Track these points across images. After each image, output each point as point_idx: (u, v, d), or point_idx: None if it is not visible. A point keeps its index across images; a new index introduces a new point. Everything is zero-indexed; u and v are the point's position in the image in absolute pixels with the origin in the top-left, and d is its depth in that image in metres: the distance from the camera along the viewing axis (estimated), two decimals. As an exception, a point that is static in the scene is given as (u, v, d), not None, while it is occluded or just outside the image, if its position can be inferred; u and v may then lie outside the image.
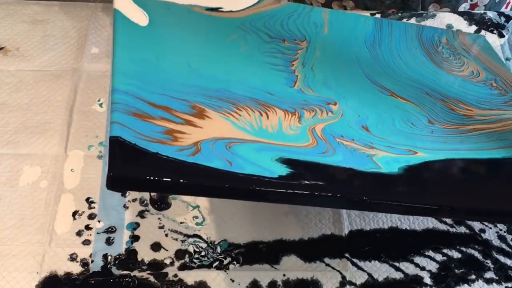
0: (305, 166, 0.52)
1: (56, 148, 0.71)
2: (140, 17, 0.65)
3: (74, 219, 0.66)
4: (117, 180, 0.48)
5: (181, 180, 0.48)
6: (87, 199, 0.67)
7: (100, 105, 0.75)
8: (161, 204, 0.64)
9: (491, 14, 0.86)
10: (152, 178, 0.48)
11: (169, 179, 0.48)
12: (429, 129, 0.62)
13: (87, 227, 0.65)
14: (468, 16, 0.85)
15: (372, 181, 0.53)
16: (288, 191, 0.49)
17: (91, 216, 0.65)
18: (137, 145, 0.50)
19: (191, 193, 0.52)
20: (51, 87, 0.76)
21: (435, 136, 0.61)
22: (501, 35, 0.83)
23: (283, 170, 0.50)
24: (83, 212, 0.66)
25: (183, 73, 0.60)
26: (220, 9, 0.72)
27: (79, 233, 0.65)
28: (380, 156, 0.55)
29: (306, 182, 0.50)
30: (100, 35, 0.81)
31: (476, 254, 0.65)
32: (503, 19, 0.85)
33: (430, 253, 0.65)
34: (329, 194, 0.49)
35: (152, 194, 0.65)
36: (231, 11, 0.72)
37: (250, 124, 0.55)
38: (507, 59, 0.81)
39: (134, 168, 0.49)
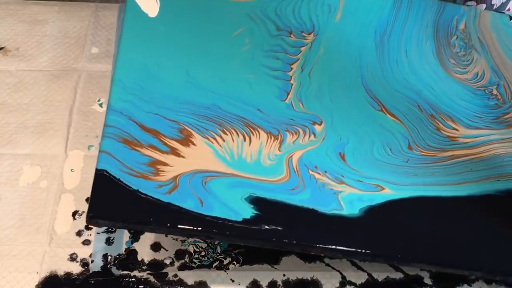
0: (271, 206, 0.57)
1: (56, 148, 0.71)
2: (151, 5, 0.67)
3: (74, 219, 0.66)
4: (95, 219, 0.54)
5: (152, 225, 0.54)
6: (87, 199, 0.67)
7: (100, 105, 0.75)
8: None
9: (491, 14, 0.85)
10: (127, 221, 0.55)
11: (141, 223, 0.55)
12: (406, 157, 0.64)
13: (87, 227, 0.65)
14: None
15: (330, 225, 0.57)
16: (248, 236, 0.55)
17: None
18: (120, 180, 0.55)
19: (161, 232, 0.58)
20: (51, 87, 0.76)
21: (408, 166, 0.64)
22: (501, 35, 0.83)
23: (249, 212, 0.56)
24: (83, 212, 0.66)
25: (180, 84, 0.63)
26: None
27: (79, 233, 0.65)
28: (346, 194, 0.59)
29: (266, 227, 0.56)
30: (100, 35, 0.81)
31: (476, 254, 0.65)
32: (503, 19, 0.85)
33: (430, 253, 0.65)
34: (284, 241, 0.56)
35: None
36: None
37: (231, 153, 0.60)
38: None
39: (112, 211, 0.55)
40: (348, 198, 0.60)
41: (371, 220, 0.59)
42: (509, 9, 0.90)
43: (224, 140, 0.60)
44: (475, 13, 0.79)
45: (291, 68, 0.68)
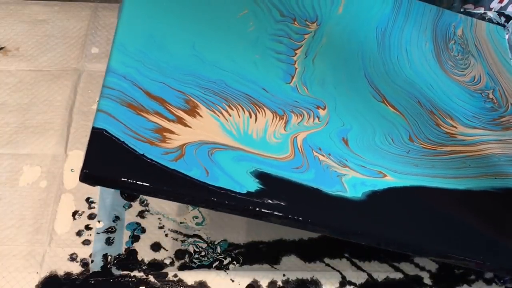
0: (275, 182, 0.57)
1: (56, 148, 0.71)
2: None
3: (74, 219, 0.66)
4: (90, 177, 0.52)
5: (147, 184, 0.52)
6: (87, 199, 0.67)
7: (100, 105, 0.75)
8: (128, 196, 0.63)
9: (491, 14, 0.86)
10: (126, 180, 0.52)
11: (136, 181, 0.52)
12: (407, 148, 0.65)
13: (87, 227, 0.65)
14: (469, 16, 0.84)
15: (334, 205, 0.57)
16: (250, 208, 0.54)
17: (91, 216, 0.66)
18: (125, 143, 0.53)
19: (162, 196, 0.55)
20: (51, 87, 0.76)
21: (409, 157, 0.64)
22: (501, 35, 0.83)
23: (254, 186, 0.56)
24: (83, 212, 0.66)
25: (186, 57, 0.62)
26: None
27: (79, 233, 0.65)
28: (350, 177, 0.60)
29: (269, 201, 0.55)
30: (100, 35, 0.81)
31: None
32: (503, 19, 0.85)
33: (430, 253, 0.65)
34: (285, 215, 0.55)
35: None
36: None
37: (237, 128, 0.59)
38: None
39: (109, 169, 0.52)
40: (351, 182, 0.60)
41: (374, 205, 0.59)
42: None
43: (230, 115, 0.60)
44: (471, 22, 0.81)
45: (295, 53, 0.68)
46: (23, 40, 0.80)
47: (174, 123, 0.57)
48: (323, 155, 0.61)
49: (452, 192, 0.63)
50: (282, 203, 0.56)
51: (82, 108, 0.74)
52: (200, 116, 0.59)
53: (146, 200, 0.67)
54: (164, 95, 0.58)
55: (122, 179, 0.52)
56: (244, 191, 0.55)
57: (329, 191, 0.58)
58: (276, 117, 0.62)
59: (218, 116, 0.59)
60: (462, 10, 0.86)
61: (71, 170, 0.69)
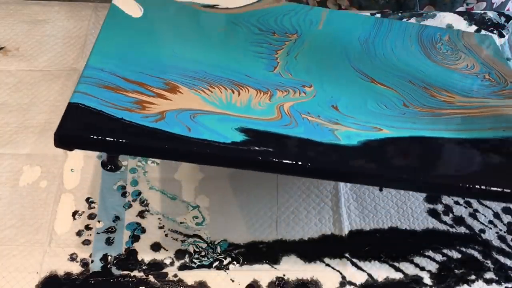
0: (262, 135, 0.54)
1: (56, 148, 0.71)
2: (135, 10, 0.67)
3: (74, 219, 0.66)
4: (65, 138, 0.51)
5: (125, 140, 0.50)
6: (87, 199, 0.67)
7: (100, 105, 0.75)
8: (111, 166, 0.60)
9: (491, 14, 0.86)
10: (97, 137, 0.50)
11: (113, 139, 0.50)
12: (402, 111, 0.62)
13: (87, 227, 0.65)
14: (468, 16, 0.84)
15: (326, 151, 0.54)
16: (235, 155, 0.51)
17: (91, 216, 0.66)
18: (102, 111, 0.52)
19: (139, 153, 0.54)
20: (51, 87, 0.76)
21: (406, 117, 0.61)
22: (501, 35, 0.83)
23: (239, 137, 0.52)
24: (83, 212, 0.66)
25: (166, 56, 0.61)
26: (216, 6, 0.72)
27: (79, 233, 0.65)
28: (343, 131, 0.56)
29: (256, 148, 0.52)
30: (100, 35, 0.81)
31: (476, 254, 0.65)
32: (503, 19, 0.85)
33: (430, 253, 0.65)
34: (272, 159, 0.51)
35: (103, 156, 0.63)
36: (227, 8, 0.72)
37: (220, 99, 0.57)
38: (507, 59, 0.81)
39: (86, 129, 0.51)
40: (345, 134, 0.56)
41: (370, 150, 0.56)
42: (508, 9, 0.90)
43: (212, 92, 0.58)
44: (457, 32, 0.79)
45: (277, 53, 0.67)
46: (23, 40, 0.80)
47: (154, 97, 0.55)
48: (312, 117, 0.58)
49: (459, 140, 0.59)
50: (270, 149, 0.53)
51: (82, 108, 0.74)
52: (181, 93, 0.57)
53: (146, 200, 0.67)
54: (143, 80, 0.57)
55: (99, 137, 0.50)
56: (229, 141, 0.52)
57: (321, 140, 0.55)
58: (260, 93, 0.59)
59: (199, 92, 0.57)
60: (464, 4, 0.85)
61: (71, 170, 0.69)
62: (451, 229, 0.66)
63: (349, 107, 0.60)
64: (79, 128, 0.51)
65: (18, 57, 0.79)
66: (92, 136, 0.51)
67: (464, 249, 0.65)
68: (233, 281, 0.62)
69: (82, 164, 0.70)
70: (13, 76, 0.77)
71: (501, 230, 0.67)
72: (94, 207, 0.66)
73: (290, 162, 0.52)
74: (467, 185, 0.54)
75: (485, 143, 0.60)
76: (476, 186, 0.54)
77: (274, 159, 0.52)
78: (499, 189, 0.54)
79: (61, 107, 0.74)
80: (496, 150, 0.60)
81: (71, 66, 0.78)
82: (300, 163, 0.52)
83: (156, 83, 0.57)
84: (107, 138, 0.50)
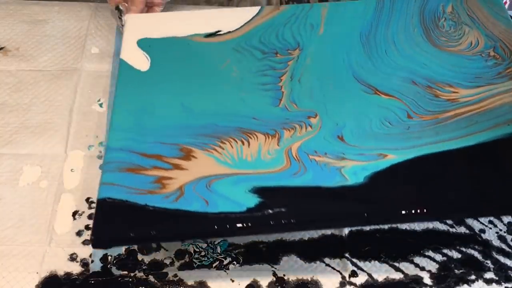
0: (274, 193, 0.58)
1: (56, 148, 0.71)
2: (142, 62, 0.71)
3: (74, 219, 0.66)
4: (101, 243, 0.57)
5: (160, 234, 0.57)
6: (87, 199, 0.67)
7: (100, 105, 0.75)
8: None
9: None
10: (133, 235, 0.56)
11: (141, 237, 0.57)
12: (406, 125, 0.64)
13: (87, 227, 0.65)
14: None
15: (334, 196, 0.58)
16: (251, 225, 0.56)
17: (91, 216, 0.65)
18: (128, 200, 0.58)
19: (165, 241, 0.61)
20: (51, 87, 0.76)
21: (410, 132, 0.63)
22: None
23: (253, 201, 0.57)
24: (83, 212, 0.66)
25: (176, 114, 0.66)
26: (219, 33, 0.74)
27: (79, 233, 0.65)
28: (350, 167, 0.59)
29: (269, 211, 0.56)
30: (100, 35, 0.81)
31: (476, 254, 0.65)
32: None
33: (430, 253, 0.65)
34: (286, 221, 0.56)
35: None
36: (229, 32, 0.75)
37: (232, 157, 0.61)
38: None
39: (115, 227, 0.57)
40: (352, 170, 0.59)
41: (377, 185, 0.58)
42: (505, 2, 0.90)
43: (223, 149, 0.62)
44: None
45: (281, 80, 0.69)
46: (23, 40, 0.80)
47: (172, 170, 0.60)
48: (319, 156, 0.61)
49: (460, 150, 0.61)
50: (283, 209, 0.56)
51: (82, 108, 0.74)
52: (195, 158, 0.61)
53: (146, 200, 0.67)
54: (160, 151, 0.62)
55: (130, 236, 0.56)
56: (244, 209, 0.57)
57: (329, 185, 0.58)
58: (268, 137, 0.63)
59: (212, 152, 0.61)
60: None
61: (71, 170, 0.69)
62: (451, 229, 0.66)
63: (354, 133, 0.63)
64: (110, 231, 0.57)
65: (18, 57, 0.79)
66: (123, 238, 0.57)
67: (464, 249, 0.65)
68: (233, 281, 0.62)
69: (82, 164, 0.70)
70: (13, 76, 0.77)
71: (501, 230, 0.67)
72: (94, 207, 0.66)
73: (301, 221, 0.57)
74: (472, 208, 0.59)
75: (489, 147, 0.61)
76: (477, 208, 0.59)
77: (285, 221, 0.56)
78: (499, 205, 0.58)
79: (61, 107, 0.74)
80: (501, 153, 0.61)
81: (71, 66, 0.78)
82: (310, 220, 0.57)
83: (171, 151, 0.62)
84: (137, 237, 0.57)
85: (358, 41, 0.73)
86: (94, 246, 0.57)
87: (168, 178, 0.59)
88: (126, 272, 0.62)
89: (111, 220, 0.57)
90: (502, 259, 0.64)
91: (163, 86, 0.69)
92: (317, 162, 0.60)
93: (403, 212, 0.57)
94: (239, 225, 0.56)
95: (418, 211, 0.57)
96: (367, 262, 0.64)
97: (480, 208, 0.59)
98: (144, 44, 0.73)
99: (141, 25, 0.76)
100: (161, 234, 0.57)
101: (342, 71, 0.70)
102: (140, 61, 0.72)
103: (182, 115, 0.66)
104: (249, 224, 0.56)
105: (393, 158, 0.61)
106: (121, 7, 0.78)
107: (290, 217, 0.56)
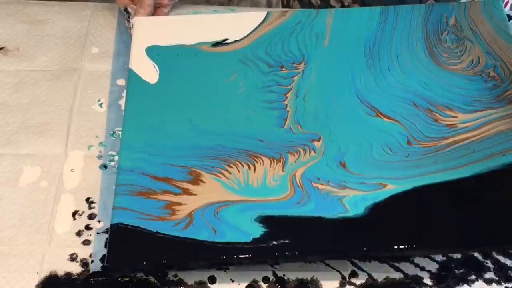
0: (278, 222, 0.60)
1: (56, 148, 0.71)
2: (151, 74, 0.72)
3: (74, 219, 0.66)
4: (114, 270, 0.60)
5: (170, 263, 0.59)
6: (87, 199, 0.67)
7: (100, 105, 0.75)
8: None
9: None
10: (145, 263, 0.59)
11: (152, 264, 0.59)
12: (406, 153, 0.65)
13: (87, 227, 0.65)
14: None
15: (336, 228, 0.60)
16: (257, 255, 0.59)
17: (91, 216, 0.66)
18: (140, 227, 0.60)
19: (175, 269, 0.62)
20: (51, 87, 0.76)
21: (409, 160, 0.65)
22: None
23: (258, 231, 0.60)
24: (83, 212, 0.66)
25: (185, 133, 0.67)
26: (225, 41, 0.75)
27: (79, 233, 0.65)
28: (350, 197, 0.62)
29: (274, 242, 0.59)
30: (100, 35, 0.81)
31: (476, 254, 0.65)
32: (503, 19, 0.85)
33: (430, 253, 0.65)
34: (289, 253, 0.59)
35: None
36: (236, 41, 0.75)
37: (238, 183, 0.63)
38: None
39: (128, 256, 0.59)
40: (352, 201, 0.62)
41: (376, 217, 0.61)
42: (507, 2, 0.90)
43: (230, 173, 0.64)
44: (464, 6, 0.79)
45: (286, 98, 0.70)
46: (23, 40, 0.80)
47: (181, 195, 0.62)
48: (322, 184, 0.63)
49: (457, 182, 0.63)
50: (287, 241, 0.59)
51: (82, 108, 0.74)
52: (203, 182, 0.63)
53: (146, 200, 0.67)
54: (169, 174, 0.64)
55: (143, 263, 0.59)
56: (250, 239, 0.59)
57: (331, 216, 0.61)
58: (274, 162, 0.65)
59: (220, 177, 0.64)
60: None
61: (71, 170, 0.69)
62: (451, 229, 0.66)
63: (355, 160, 0.65)
64: (124, 259, 0.60)
65: (18, 57, 0.79)
66: (136, 267, 0.60)
67: (464, 249, 0.65)
68: (233, 281, 0.62)
69: (82, 164, 0.70)
70: (13, 76, 0.77)
71: (501, 230, 0.67)
72: (94, 207, 0.66)
73: (304, 253, 0.60)
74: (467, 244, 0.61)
75: (484, 179, 0.63)
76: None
77: (289, 253, 0.59)
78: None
79: (61, 107, 0.74)
80: (494, 186, 0.63)
81: (71, 66, 0.78)
82: (313, 252, 0.60)
83: (180, 175, 0.64)
84: (149, 265, 0.60)
85: (362, 54, 0.74)
86: (107, 273, 0.61)
87: (177, 203, 0.62)
88: (126, 272, 0.62)
89: (124, 248, 0.60)
90: (502, 259, 0.65)
91: (172, 101, 0.70)
92: (320, 190, 0.63)
93: (401, 246, 0.59)
94: (245, 255, 0.59)
95: (414, 246, 0.59)
96: (367, 262, 0.64)
97: (479, 243, 0.61)
98: (153, 52, 0.74)
99: (149, 30, 0.76)
100: (171, 263, 0.59)
101: (345, 89, 0.71)
102: (149, 72, 0.72)
103: (190, 134, 0.67)
104: (255, 255, 0.59)
105: (392, 188, 0.63)
106: (129, 10, 0.78)
107: (294, 249, 0.59)
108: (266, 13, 0.78)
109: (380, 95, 0.70)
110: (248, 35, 0.76)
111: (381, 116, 0.68)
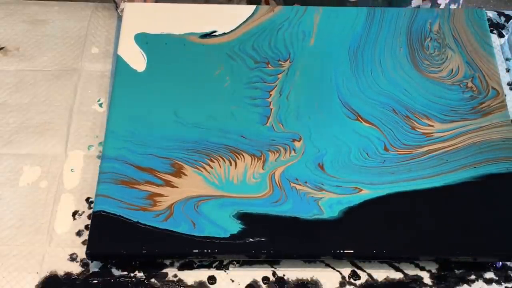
0: (256, 220, 0.62)
1: (56, 148, 0.71)
2: (139, 61, 0.73)
3: (74, 219, 0.66)
4: (95, 256, 0.61)
5: (149, 252, 0.60)
6: (87, 199, 0.67)
7: (100, 105, 0.75)
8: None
9: (490, 14, 0.86)
10: (126, 252, 0.60)
11: (132, 252, 0.61)
12: (382, 159, 0.67)
13: (87, 227, 0.65)
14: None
15: (310, 229, 0.62)
16: (233, 250, 0.61)
17: (91, 216, 0.65)
18: (121, 216, 0.61)
19: (154, 259, 0.63)
20: (51, 87, 0.76)
21: (385, 166, 0.66)
22: (500, 35, 0.83)
23: (236, 228, 0.61)
24: (83, 212, 0.66)
25: (169, 124, 0.68)
26: (214, 34, 0.75)
27: (79, 233, 0.65)
28: (326, 199, 0.63)
29: (250, 240, 0.61)
30: (100, 35, 0.81)
31: (476, 254, 0.65)
32: (503, 19, 0.85)
33: (430, 253, 0.65)
34: (265, 251, 0.61)
35: None
36: (224, 34, 0.75)
37: (219, 178, 0.65)
38: (507, 59, 0.81)
39: (109, 245, 0.61)
40: (328, 203, 0.63)
41: (349, 220, 0.62)
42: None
43: (212, 168, 0.65)
44: (449, 13, 0.80)
45: (270, 95, 0.71)
46: (23, 40, 0.80)
47: (163, 187, 0.64)
48: (299, 184, 0.64)
49: (429, 191, 0.64)
50: (263, 239, 0.61)
51: (82, 108, 0.74)
52: (185, 175, 0.65)
53: (146, 200, 0.67)
54: (152, 165, 0.65)
55: (122, 251, 0.60)
56: (228, 235, 0.61)
57: (306, 217, 0.62)
58: (255, 159, 0.66)
59: (201, 171, 0.65)
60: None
61: (71, 170, 0.69)
62: (451, 229, 0.67)
63: (333, 162, 0.66)
64: (104, 246, 0.61)
65: (18, 57, 0.79)
66: (116, 254, 0.61)
67: (464, 249, 0.65)
68: (233, 281, 0.62)
69: (82, 164, 0.70)
70: (13, 76, 0.77)
71: (501, 230, 0.67)
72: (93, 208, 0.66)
73: (279, 252, 0.61)
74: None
75: (455, 190, 0.65)
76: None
77: (264, 251, 0.61)
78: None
79: (61, 107, 0.74)
80: (461, 197, 0.65)
81: (71, 66, 0.78)
82: (288, 252, 0.62)
83: (163, 166, 0.65)
84: (129, 254, 0.61)
85: (346, 56, 0.75)
86: (89, 259, 0.62)
87: (159, 195, 0.63)
88: (126, 273, 0.62)
89: (105, 235, 0.61)
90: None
91: (158, 91, 0.71)
92: (297, 191, 0.64)
93: (374, 251, 0.61)
94: (222, 249, 0.60)
95: (384, 251, 0.61)
96: (367, 262, 0.64)
97: (448, 250, 0.62)
98: (141, 40, 0.74)
99: (139, 17, 0.76)
100: (150, 252, 0.60)
101: (328, 91, 0.72)
102: (136, 59, 0.73)
103: (174, 126, 0.68)
104: (231, 250, 0.60)
105: (366, 193, 0.64)
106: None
107: (269, 247, 0.61)
108: (255, 7, 0.78)
109: (361, 99, 0.71)
110: (236, 28, 0.76)
111: (361, 120, 0.69)
